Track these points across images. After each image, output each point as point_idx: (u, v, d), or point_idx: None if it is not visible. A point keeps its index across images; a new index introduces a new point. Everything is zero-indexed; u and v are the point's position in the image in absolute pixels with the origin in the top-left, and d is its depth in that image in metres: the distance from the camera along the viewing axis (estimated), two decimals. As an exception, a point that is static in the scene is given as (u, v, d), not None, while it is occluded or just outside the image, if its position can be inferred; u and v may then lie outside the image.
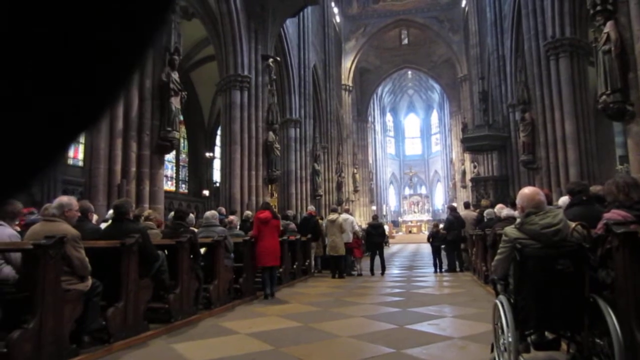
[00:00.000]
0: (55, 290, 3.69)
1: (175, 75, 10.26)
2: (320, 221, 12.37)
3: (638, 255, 2.78)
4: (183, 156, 28.02)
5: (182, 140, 25.79)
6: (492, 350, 3.35)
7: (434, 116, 50.44)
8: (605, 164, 14.83)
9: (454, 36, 31.57)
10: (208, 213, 7.43)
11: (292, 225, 11.26)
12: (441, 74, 36.95)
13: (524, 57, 13.95)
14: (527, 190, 3.18)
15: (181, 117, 10.93)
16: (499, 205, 8.62)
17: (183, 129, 24.60)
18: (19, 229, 4.62)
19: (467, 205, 13.38)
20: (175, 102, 10.24)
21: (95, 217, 6.24)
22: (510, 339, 2.83)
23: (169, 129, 10.03)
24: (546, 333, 3.17)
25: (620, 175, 4.38)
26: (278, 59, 16.71)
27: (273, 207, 15.04)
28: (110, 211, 6.49)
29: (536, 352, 3.23)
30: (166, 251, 5.67)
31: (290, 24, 19.04)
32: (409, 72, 43.64)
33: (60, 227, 4.00)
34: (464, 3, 29.48)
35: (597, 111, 10.99)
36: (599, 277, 3.05)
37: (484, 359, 3.50)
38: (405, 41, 36.68)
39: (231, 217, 9.82)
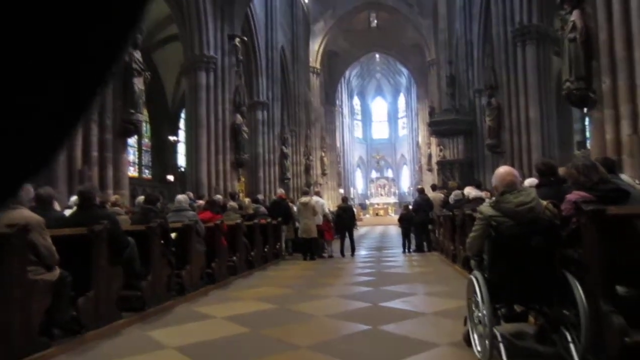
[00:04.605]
0: (22, 281, 3.52)
1: (137, 55, 9.90)
2: (290, 204, 12.36)
3: (604, 233, 2.91)
4: (146, 141, 27.23)
5: (144, 124, 25.03)
6: (465, 324, 3.47)
7: (401, 100, 50.85)
8: (565, 149, 15.41)
9: (423, 20, 31.66)
10: (179, 197, 7.28)
11: (263, 209, 11.22)
12: (409, 58, 37.12)
13: (492, 43, 14.20)
14: (501, 169, 3.28)
15: (144, 99, 10.59)
16: (468, 187, 8.84)
17: (145, 112, 23.85)
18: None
19: (434, 188, 13.67)
20: (138, 83, 9.91)
21: (57, 205, 5.98)
22: (485, 312, 2.94)
23: (132, 110, 9.73)
24: (515, 306, 3.31)
25: (580, 158, 4.54)
26: (245, 38, 16.40)
27: (238, 192, 14.92)
28: (74, 197, 6.26)
29: (506, 325, 3.38)
30: (130, 238, 5.51)
31: (257, 3, 18.68)
32: (377, 56, 43.69)
33: (22, 214, 3.82)
34: (433, -13, 29.54)
35: (558, 98, 11.37)
36: (567, 253, 3.18)
37: (457, 332, 3.62)
38: (374, 24, 36.58)
39: (200, 202, 9.68)
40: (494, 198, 3.28)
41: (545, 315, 3.23)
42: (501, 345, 2.90)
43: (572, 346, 2.86)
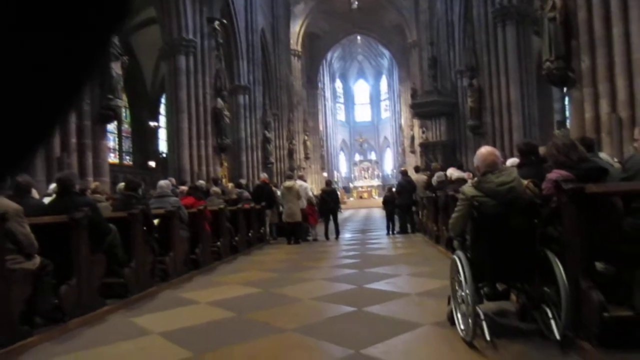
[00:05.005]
0: (0, 271, 3.47)
1: (114, 39, 9.66)
2: (274, 189, 12.33)
3: (584, 211, 2.95)
4: (126, 126, 26.71)
5: (124, 110, 24.49)
6: (449, 303, 3.51)
7: (384, 82, 50.74)
8: (545, 129, 15.61)
9: (404, 1, 31.43)
10: (161, 182, 7.19)
11: (246, 194, 11.17)
12: (391, 40, 36.92)
13: (473, 24, 14.21)
14: (483, 150, 3.30)
15: (122, 84, 10.36)
16: (450, 169, 8.91)
17: (124, 97, 23.32)
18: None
19: (417, 170, 13.74)
20: (116, 68, 9.70)
21: (35, 193, 5.85)
22: (468, 292, 2.98)
23: (111, 96, 9.53)
24: (497, 285, 3.36)
25: (559, 137, 4.60)
26: (224, 21, 16.07)
27: (220, 178, 14.82)
28: (53, 185, 6.13)
29: (488, 303, 3.43)
30: (112, 225, 5.43)
31: (236, -15, 18.27)
32: (359, 38, 43.35)
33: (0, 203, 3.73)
34: (413, -33, 29.28)
35: (538, 78, 11.48)
36: (547, 231, 3.23)
37: (441, 312, 3.66)
38: (355, 5, 36.12)
39: (182, 188, 9.58)
40: (476, 179, 3.30)
41: (527, 293, 3.29)
42: (484, 323, 2.95)
43: (552, 322, 2.92)
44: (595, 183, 3.06)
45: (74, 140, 8.69)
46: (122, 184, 7.55)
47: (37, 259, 3.92)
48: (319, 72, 39.64)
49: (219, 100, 14.77)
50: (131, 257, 5.28)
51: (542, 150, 3.95)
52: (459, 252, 3.26)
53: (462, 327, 3.17)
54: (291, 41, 30.92)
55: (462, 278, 3.11)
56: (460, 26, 17.35)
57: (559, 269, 2.92)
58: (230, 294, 5.24)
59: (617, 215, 3.04)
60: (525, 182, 3.10)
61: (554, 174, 3.18)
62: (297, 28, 32.04)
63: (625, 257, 2.88)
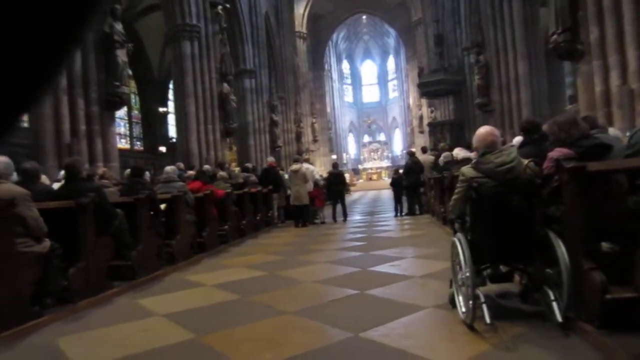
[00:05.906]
0: (10, 254, 3.59)
1: (118, 26, 9.67)
2: (281, 172, 12.35)
3: (585, 189, 2.89)
4: (135, 112, 26.85)
5: (132, 96, 24.57)
6: (450, 286, 3.50)
7: (391, 62, 50.06)
8: (556, 104, 15.30)
9: (408, -23, 30.84)
10: (168, 168, 7.26)
11: (253, 177, 11.21)
12: (396, 18, 36.32)
13: (478, -2, 13.91)
14: (482, 130, 3.24)
15: (129, 71, 10.39)
16: (457, 149, 8.82)
17: (133, 83, 23.37)
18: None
19: (424, 150, 13.63)
20: (122, 55, 9.74)
21: (45, 179, 5.95)
22: (468, 274, 2.96)
23: (117, 83, 9.60)
24: (500, 267, 3.33)
25: (562, 114, 4.50)
26: (227, 5, 15.93)
27: (229, 162, 14.88)
28: (62, 172, 6.22)
29: (491, 285, 3.41)
30: (119, 209, 5.51)
31: (238, -33, 18.04)
32: (364, 17, 42.73)
33: (8, 188, 3.81)
34: (417, -58, 28.59)
35: (547, 52, 11.21)
36: (549, 211, 3.18)
37: (443, 294, 3.65)
38: (358, -17, 35.57)
39: (190, 172, 9.64)
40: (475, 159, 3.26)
41: (529, 275, 3.25)
42: (484, 306, 2.90)
43: (554, 304, 2.88)
44: (598, 160, 2.98)
45: (83, 127, 8.83)
46: (128, 170, 7.63)
47: (47, 243, 4.03)
48: (325, 54, 39.21)
49: (225, 85, 14.76)
50: (138, 240, 5.37)
51: (545, 127, 3.87)
52: (459, 234, 3.23)
53: (463, 309, 3.13)
54: (295, 23, 30.56)
55: (461, 260, 3.09)
56: (465, 1, 16.96)
57: (561, 249, 2.87)
58: (235, 277, 5.29)
59: (620, 193, 2.98)
60: (525, 161, 3.05)
61: (556, 152, 3.11)
62: (301, 10, 31.66)
63: (629, 236, 2.81)
